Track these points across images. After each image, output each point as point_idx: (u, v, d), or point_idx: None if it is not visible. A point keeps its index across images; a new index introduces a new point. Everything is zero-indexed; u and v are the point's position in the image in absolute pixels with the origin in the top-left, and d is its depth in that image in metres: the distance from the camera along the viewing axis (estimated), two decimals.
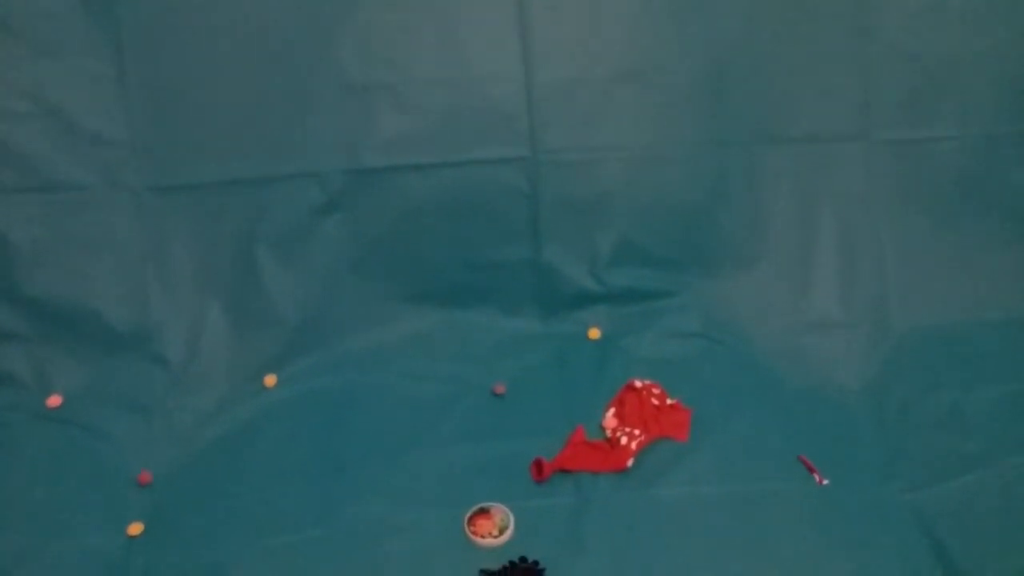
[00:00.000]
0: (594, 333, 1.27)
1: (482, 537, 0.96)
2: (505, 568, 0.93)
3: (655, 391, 1.15)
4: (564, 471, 1.05)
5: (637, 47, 1.22)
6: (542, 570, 0.93)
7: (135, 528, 0.99)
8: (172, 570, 0.95)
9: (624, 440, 1.07)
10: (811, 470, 1.03)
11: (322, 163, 1.20)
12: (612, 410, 1.13)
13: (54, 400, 1.17)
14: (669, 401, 1.14)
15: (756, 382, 1.18)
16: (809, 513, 0.98)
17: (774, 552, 0.93)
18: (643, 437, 1.08)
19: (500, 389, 1.18)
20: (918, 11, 1.22)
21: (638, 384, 1.15)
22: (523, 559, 0.94)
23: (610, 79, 1.21)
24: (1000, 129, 1.26)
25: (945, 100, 1.25)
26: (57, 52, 1.16)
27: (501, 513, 0.99)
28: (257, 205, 1.21)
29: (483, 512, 0.99)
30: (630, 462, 1.05)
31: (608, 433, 1.10)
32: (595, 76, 1.21)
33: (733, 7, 1.21)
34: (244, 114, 1.19)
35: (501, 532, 0.97)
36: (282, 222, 1.22)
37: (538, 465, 1.05)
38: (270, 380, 1.20)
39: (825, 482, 1.02)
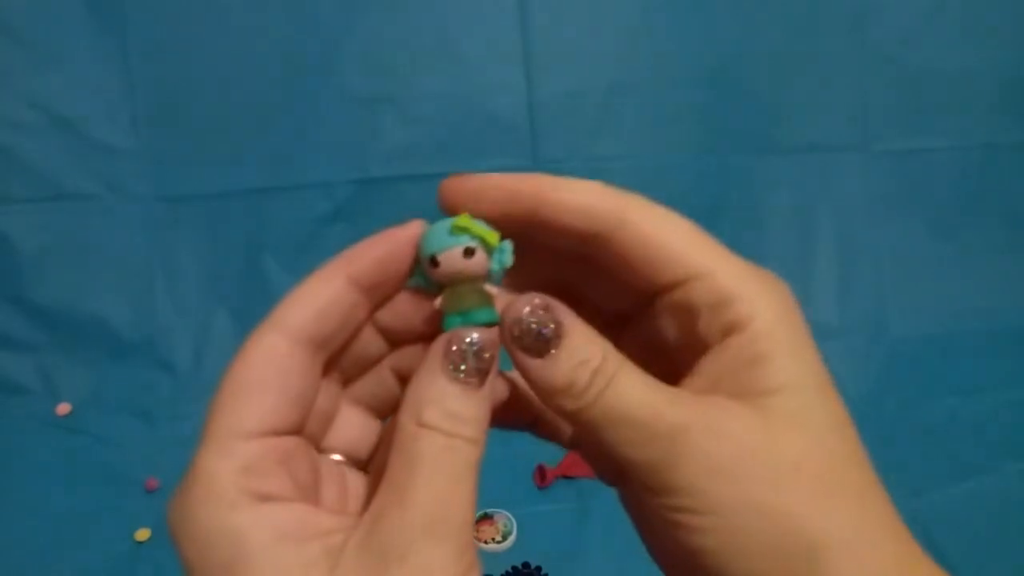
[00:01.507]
0: None
1: (485, 543, 0.97)
2: (508, 574, 0.93)
3: None
4: (567, 477, 1.06)
5: (637, 59, 1.23)
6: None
7: (142, 534, 1.00)
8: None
9: None
10: None
11: (328, 173, 1.22)
12: None
13: (63, 408, 1.18)
14: None
15: None
16: None
17: None
18: None
19: None
20: (915, 22, 1.23)
21: None
22: (526, 565, 0.95)
23: (611, 90, 1.22)
24: (998, 139, 1.27)
25: (942, 110, 1.26)
26: (64, 62, 1.17)
27: (504, 519, 0.99)
28: (264, 214, 1.22)
29: (486, 518, 1.00)
30: None
31: None
32: (596, 87, 1.22)
33: (732, 20, 1.22)
34: (251, 125, 1.20)
35: (504, 538, 0.97)
36: (288, 231, 1.23)
37: (541, 471, 1.06)
38: None
39: None
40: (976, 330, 1.25)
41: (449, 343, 0.25)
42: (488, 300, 0.27)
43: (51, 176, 1.19)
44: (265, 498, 0.24)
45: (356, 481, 0.29)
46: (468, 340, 0.25)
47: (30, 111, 1.17)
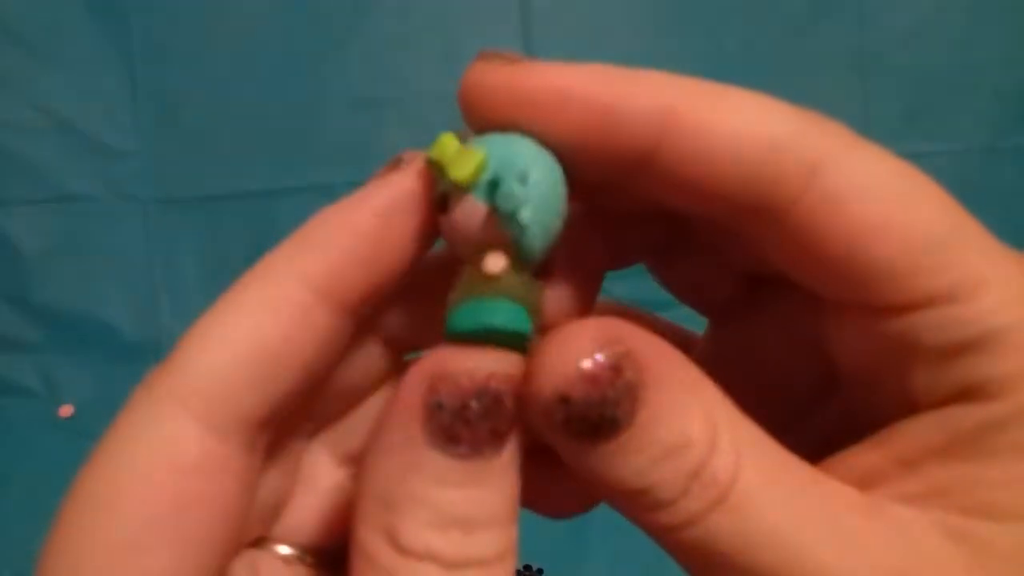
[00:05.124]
0: None
1: None
2: None
3: None
4: None
5: (639, 61, 1.20)
6: None
7: None
8: None
9: None
10: None
11: (329, 175, 1.22)
12: None
13: (66, 410, 1.18)
14: None
15: None
16: None
17: None
18: None
19: None
20: (916, 25, 1.23)
21: None
22: (527, 567, 0.95)
23: None
24: (999, 142, 1.27)
25: (944, 114, 1.25)
26: (66, 63, 1.18)
27: None
28: (266, 216, 1.22)
29: None
30: None
31: None
32: None
33: (733, 25, 1.22)
34: (252, 127, 1.20)
35: None
36: (290, 233, 1.23)
37: None
38: None
39: None
40: None
41: (430, 387, 0.13)
42: (525, 291, 0.15)
43: (53, 177, 1.19)
44: None
45: None
46: (471, 383, 0.13)
47: (32, 113, 1.17)
